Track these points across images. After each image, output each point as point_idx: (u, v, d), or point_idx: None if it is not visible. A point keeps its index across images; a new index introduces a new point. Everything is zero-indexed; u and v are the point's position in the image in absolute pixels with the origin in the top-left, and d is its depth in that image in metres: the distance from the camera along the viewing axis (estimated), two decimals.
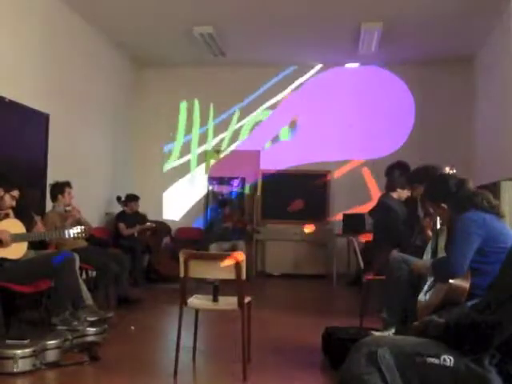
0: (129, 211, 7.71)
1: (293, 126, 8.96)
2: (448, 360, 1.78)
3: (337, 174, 8.85)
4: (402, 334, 2.33)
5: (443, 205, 3.00)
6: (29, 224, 4.38)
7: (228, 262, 3.38)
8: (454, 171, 3.36)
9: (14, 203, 4.31)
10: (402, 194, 5.00)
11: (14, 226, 4.19)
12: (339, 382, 1.88)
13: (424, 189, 3.26)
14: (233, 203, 8.59)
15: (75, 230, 4.43)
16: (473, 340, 1.77)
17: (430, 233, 3.51)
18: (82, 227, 4.50)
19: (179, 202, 9.16)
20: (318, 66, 8.90)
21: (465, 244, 2.75)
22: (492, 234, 2.75)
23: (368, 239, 5.45)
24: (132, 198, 7.81)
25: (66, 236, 4.45)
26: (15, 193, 4.33)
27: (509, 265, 1.80)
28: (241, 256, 3.38)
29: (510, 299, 1.71)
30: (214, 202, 8.95)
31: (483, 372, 1.76)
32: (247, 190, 9.01)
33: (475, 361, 1.77)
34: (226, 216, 8.22)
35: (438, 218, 3.22)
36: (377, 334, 3.67)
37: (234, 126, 9.14)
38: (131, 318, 5.11)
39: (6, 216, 4.23)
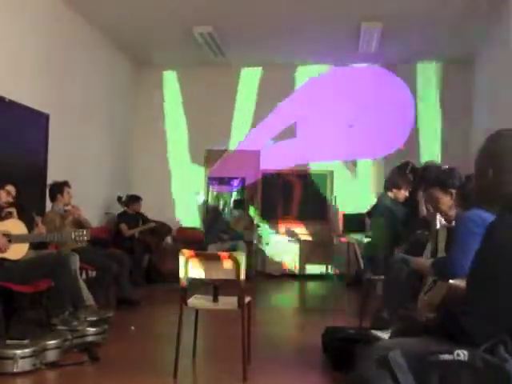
0: (130, 212, 7.72)
1: (293, 126, 8.96)
2: (462, 354, 1.71)
3: (337, 173, 8.85)
4: (401, 333, 2.32)
5: (452, 190, 3.06)
6: (29, 225, 4.37)
7: (228, 262, 3.38)
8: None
9: (10, 199, 4.29)
10: (399, 194, 4.98)
11: (16, 226, 4.18)
12: None
13: (432, 176, 3.29)
14: (245, 206, 8.56)
15: (76, 233, 4.39)
16: (460, 333, 1.74)
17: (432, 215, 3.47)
18: (83, 230, 4.47)
19: (179, 201, 9.16)
20: (318, 66, 8.90)
21: (465, 244, 2.75)
22: None
23: (368, 239, 5.46)
24: (134, 199, 7.81)
25: (67, 238, 4.44)
26: (10, 188, 4.29)
27: (482, 251, 1.78)
28: (241, 256, 3.38)
29: (487, 286, 1.70)
30: (216, 202, 8.98)
31: (500, 363, 1.69)
32: (247, 190, 9.01)
33: (490, 351, 1.72)
34: (235, 218, 8.20)
35: (438, 217, 3.22)
36: (376, 333, 3.67)
37: (234, 126, 9.14)
38: (131, 317, 5.11)
39: (9, 215, 4.21)
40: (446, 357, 1.73)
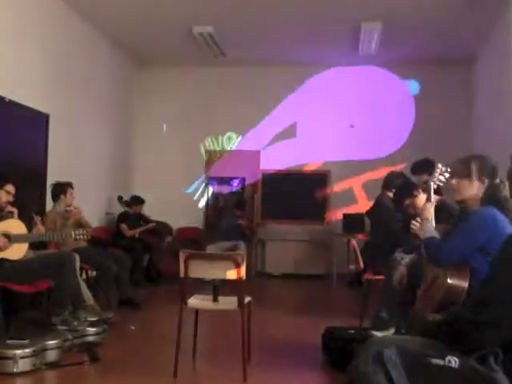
0: (131, 212, 7.71)
1: (293, 126, 8.97)
2: (453, 361, 1.76)
3: (337, 173, 8.85)
4: (401, 333, 2.33)
5: (485, 179, 2.80)
6: (28, 224, 4.36)
7: (228, 262, 3.38)
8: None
9: (10, 198, 4.28)
10: None
11: (16, 226, 4.18)
12: (348, 381, 1.89)
13: (472, 157, 2.92)
14: (245, 206, 8.56)
15: (77, 232, 4.39)
16: (465, 339, 1.76)
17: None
18: (84, 230, 4.47)
19: (179, 201, 9.16)
20: (318, 66, 8.90)
21: (466, 238, 2.72)
22: (498, 235, 2.69)
23: (367, 239, 5.45)
24: (138, 201, 7.79)
25: (67, 238, 4.44)
26: (9, 187, 4.28)
27: (501, 261, 1.80)
28: (241, 256, 3.38)
29: (503, 297, 1.71)
30: (216, 202, 8.97)
31: (489, 373, 1.73)
32: (247, 190, 9.01)
33: (480, 361, 1.75)
34: (237, 216, 8.19)
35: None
36: (376, 333, 3.67)
37: (234, 126, 9.14)
38: (131, 317, 5.11)
39: (11, 214, 4.21)
40: (437, 361, 1.77)
